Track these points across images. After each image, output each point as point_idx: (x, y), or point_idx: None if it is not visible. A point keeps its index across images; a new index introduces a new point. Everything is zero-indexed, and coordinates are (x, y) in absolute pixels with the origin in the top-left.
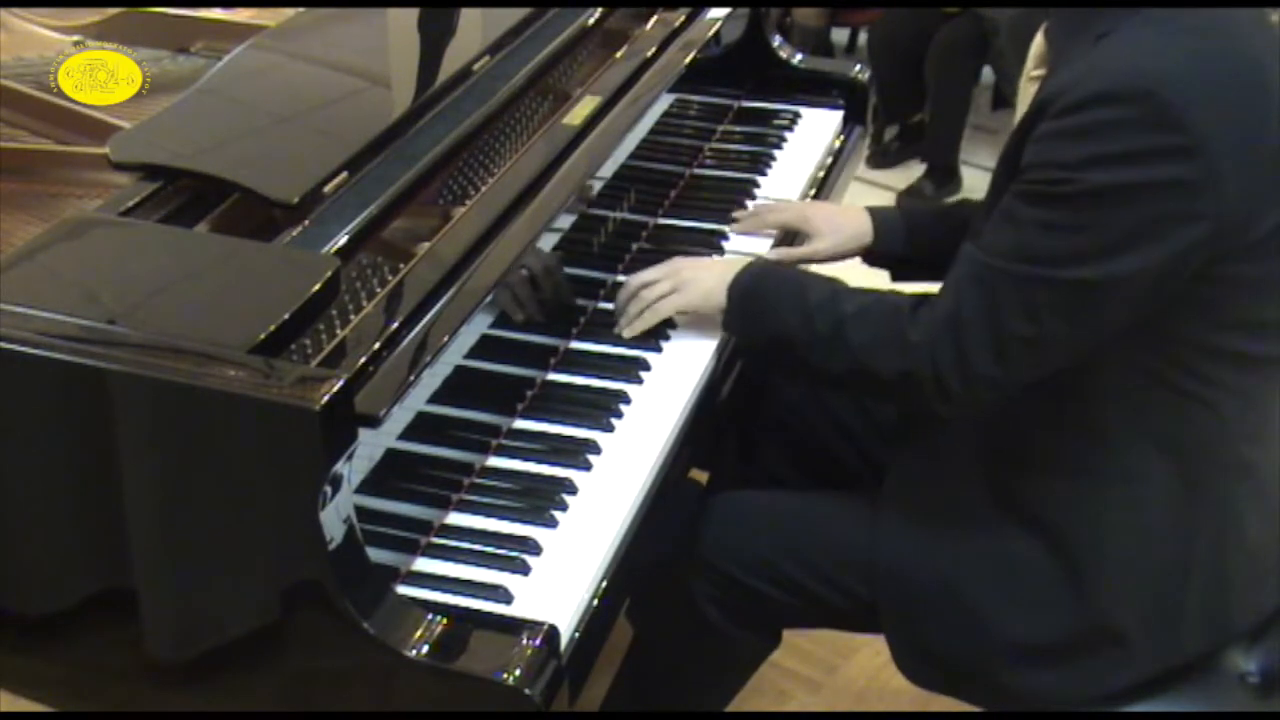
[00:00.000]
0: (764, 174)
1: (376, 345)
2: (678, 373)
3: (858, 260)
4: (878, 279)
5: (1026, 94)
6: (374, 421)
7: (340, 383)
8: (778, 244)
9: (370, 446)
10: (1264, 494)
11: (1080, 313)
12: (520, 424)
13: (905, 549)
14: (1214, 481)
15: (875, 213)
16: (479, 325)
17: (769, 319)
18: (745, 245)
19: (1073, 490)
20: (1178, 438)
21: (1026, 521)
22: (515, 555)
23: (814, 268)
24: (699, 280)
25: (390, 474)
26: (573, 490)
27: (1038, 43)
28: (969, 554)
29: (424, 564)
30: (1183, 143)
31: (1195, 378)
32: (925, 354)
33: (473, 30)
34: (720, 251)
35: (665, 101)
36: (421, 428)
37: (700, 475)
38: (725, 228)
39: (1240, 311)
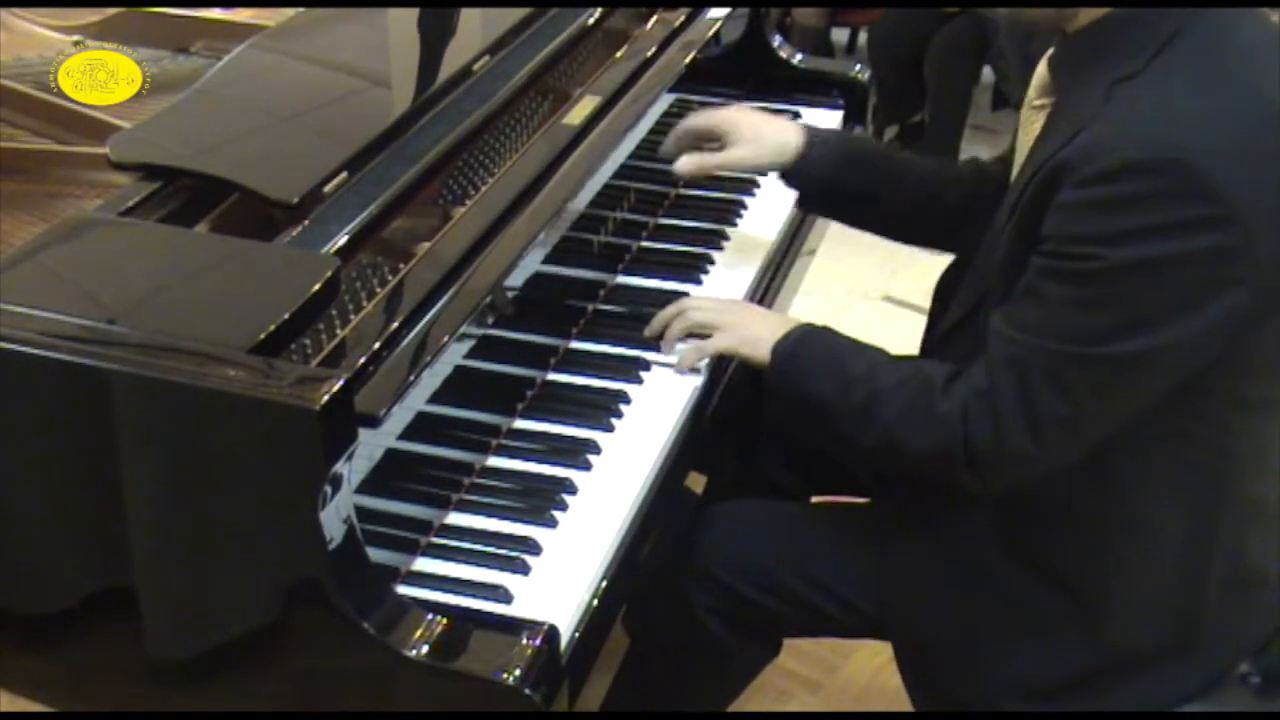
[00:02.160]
0: (764, 173)
1: (376, 345)
2: (678, 373)
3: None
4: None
5: (1029, 124)
6: (374, 421)
7: (340, 383)
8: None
9: (370, 446)
10: (1270, 524)
11: (1116, 388)
12: (520, 424)
13: (912, 581)
14: (1225, 521)
15: (812, 134)
16: (479, 325)
17: (806, 385)
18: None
19: (1086, 541)
20: (1194, 486)
21: (1036, 565)
22: (515, 555)
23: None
24: (749, 327)
25: (390, 474)
26: (573, 490)
27: (1040, 73)
28: (977, 592)
29: (424, 564)
30: (1216, 212)
31: (1214, 426)
32: (956, 427)
33: (473, 30)
34: (719, 248)
35: (665, 101)
36: (421, 428)
37: (698, 481)
38: (725, 228)
39: (1265, 358)
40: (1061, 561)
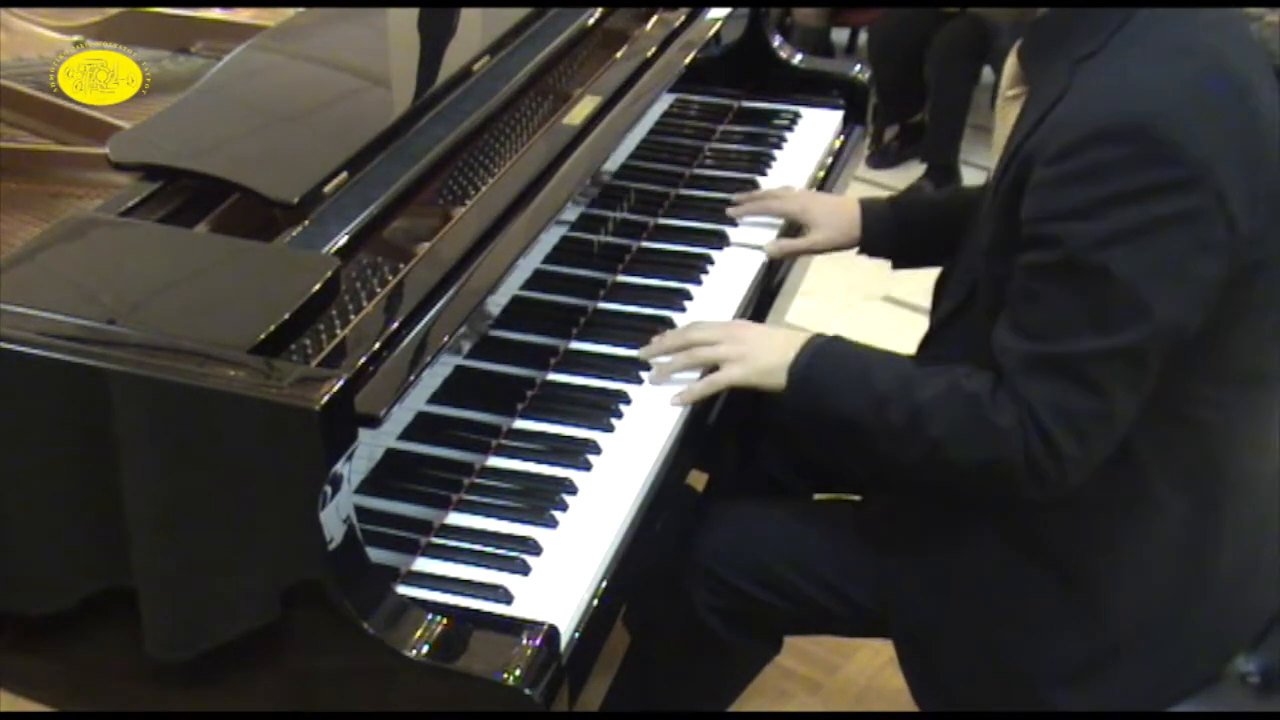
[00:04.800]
0: (764, 174)
1: (376, 345)
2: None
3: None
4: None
5: (1004, 115)
6: (374, 421)
7: (340, 383)
8: (782, 234)
9: (370, 446)
10: (1266, 506)
11: (1133, 374)
12: (520, 424)
13: (913, 575)
14: (1221, 501)
15: (865, 206)
16: (479, 325)
17: (832, 404)
18: (748, 234)
19: (1085, 524)
20: (1191, 465)
21: (1036, 552)
22: (515, 555)
23: (816, 259)
24: (760, 357)
25: (390, 474)
26: (573, 490)
27: (1010, 63)
28: (977, 584)
29: (424, 564)
30: (1185, 174)
31: (1207, 404)
32: (1017, 439)
33: (473, 30)
34: (719, 248)
35: (665, 101)
36: (421, 428)
37: (698, 480)
38: (726, 228)
39: (1246, 331)
40: (1061, 546)
